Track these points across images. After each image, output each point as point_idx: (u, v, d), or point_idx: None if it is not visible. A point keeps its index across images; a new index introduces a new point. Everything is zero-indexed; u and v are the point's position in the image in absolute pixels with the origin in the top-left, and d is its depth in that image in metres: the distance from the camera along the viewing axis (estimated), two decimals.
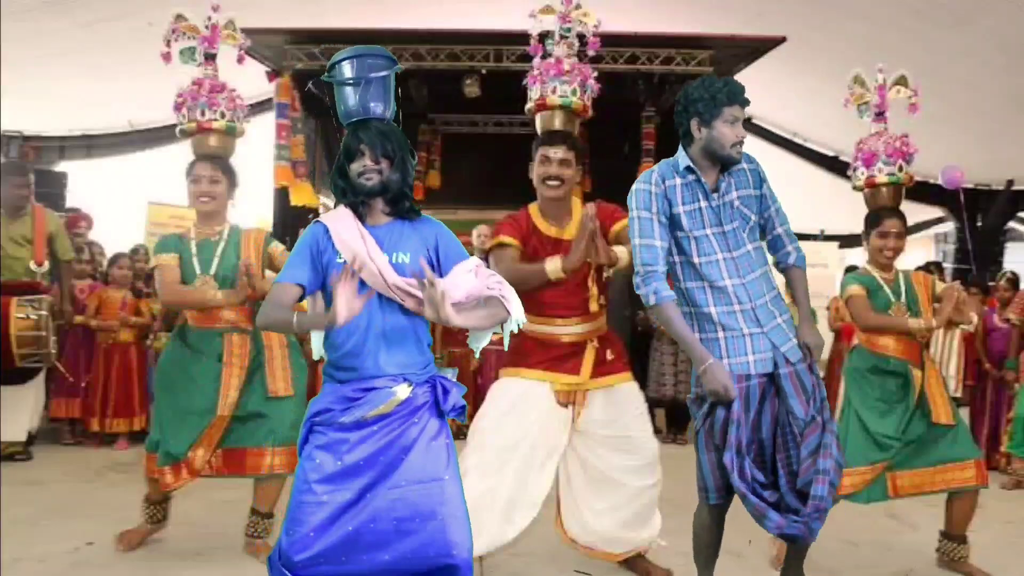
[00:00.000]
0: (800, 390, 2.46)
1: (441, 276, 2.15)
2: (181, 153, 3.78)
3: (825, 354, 6.48)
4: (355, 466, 2.02)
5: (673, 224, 2.52)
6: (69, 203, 8.86)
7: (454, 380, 2.19)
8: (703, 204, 2.51)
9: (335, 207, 2.26)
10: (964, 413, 4.94)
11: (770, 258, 2.69)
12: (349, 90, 2.13)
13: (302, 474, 2.04)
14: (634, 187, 2.55)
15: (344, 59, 2.13)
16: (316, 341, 2.21)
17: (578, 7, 3.76)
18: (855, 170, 3.74)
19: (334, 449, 2.03)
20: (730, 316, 2.49)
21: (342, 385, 2.09)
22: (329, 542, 1.97)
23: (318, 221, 2.20)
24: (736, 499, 2.52)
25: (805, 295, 2.64)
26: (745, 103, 2.49)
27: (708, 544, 2.69)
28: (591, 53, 3.87)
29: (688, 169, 2.52)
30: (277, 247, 3.46)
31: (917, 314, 3.40)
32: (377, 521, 1.99)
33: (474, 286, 2.12)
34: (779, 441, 2.48)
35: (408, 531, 2.00)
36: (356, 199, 2.14)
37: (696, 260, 2.51)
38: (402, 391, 2.07)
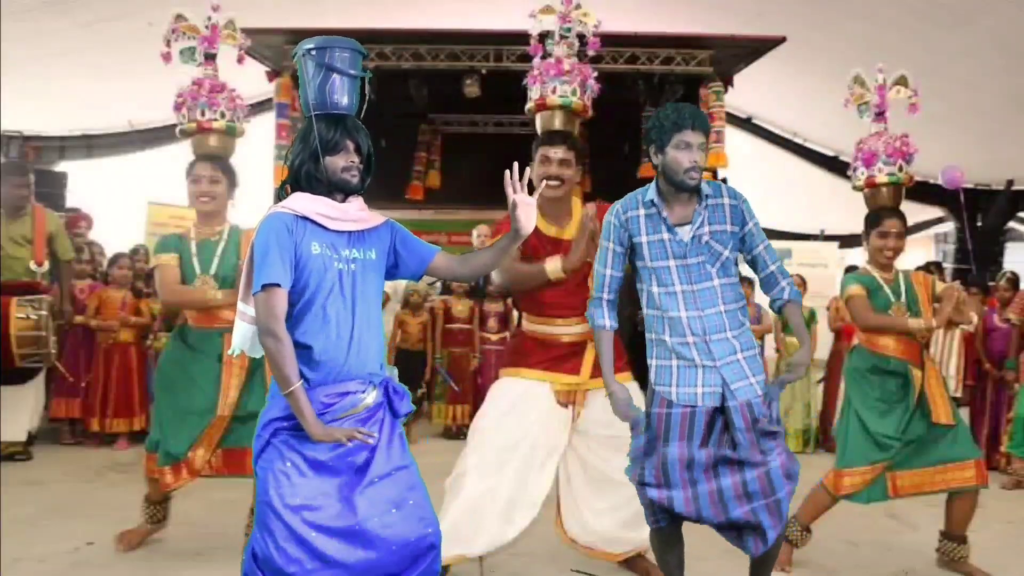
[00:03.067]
0: (749, 427, 2.47)
1: (398, 264, 2.21)
2: (181, 153, 3.78)
3: (825, 354, 6.53)
4: (329, 469, 2.02)
5: (635, 254, 2.57)
6: (69, 203, 8.87)
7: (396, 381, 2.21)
8: (666, 236, 2.51)
9: (287, 195, 2.16)
10: (964, 413, 4.94)
11: (764, 296, 2.71)
12: (342, 80, 2.08)
13: (272, 484, 1.98)
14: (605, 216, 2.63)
15: (347, 48, 2.09)
16: (242, 332, 2.15)
17: (578, 7, 3.75)
18: (855, 170, 3.74)
19: (304, 456, 2.00)
20: (683, 347, 2.52)
21: (311, 390, 2.03)
22: (316, 550, 1.95)
23: (280, 211, 2.07)
24: None
25: (801, 326, 2.66)
26: (698, 127, 2.44)
27: (666, 562, 2.72)
28: (591, 53, 3.86)
29: (651, 202, 2.53)
30: None
31: (917, 314, 3.40)
32: (360, 520, 2.00)
33: None
34: (727, 467, 2.50)
35: (388, 521, 2.03)
36: (330, 192, 2.10)
37: (654, 290, 2.55)
38: (370, 397, 2.08)
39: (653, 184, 2.57)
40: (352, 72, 2.10)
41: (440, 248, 2.28)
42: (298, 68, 2.14)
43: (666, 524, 2.61)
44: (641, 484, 2.56)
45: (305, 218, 2.06)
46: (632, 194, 2.60)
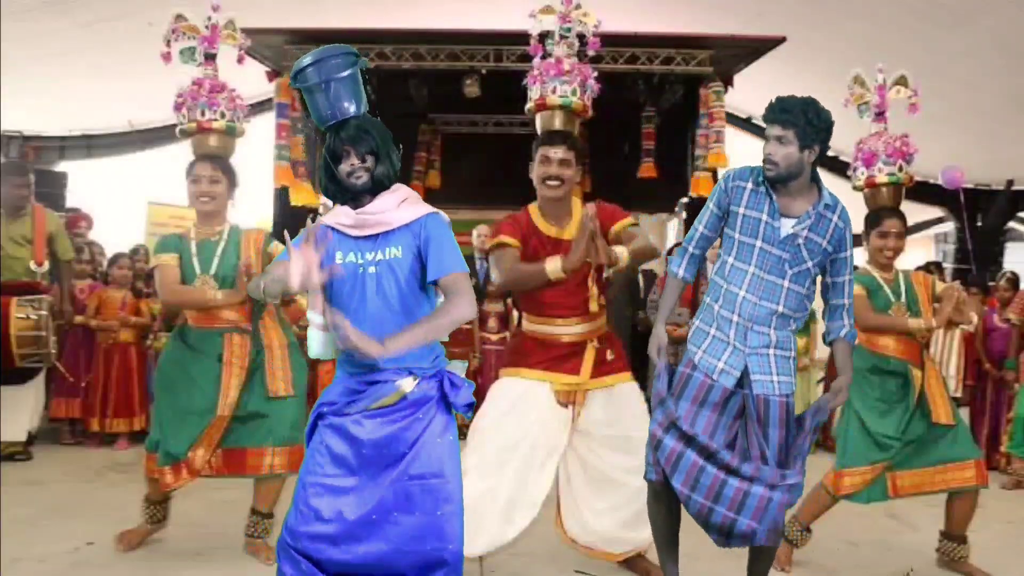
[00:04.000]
0: (761, 420, 2.51)
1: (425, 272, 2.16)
2: (181, 153, 3.78)
3: (825, 354, 6.52)
4: (359, 456, 2.06)
5: (728, 221, 2.59)
6: (69, 203, 8.85)
7: (463, 376, 2.19)
8: (765, 217, 2.51)
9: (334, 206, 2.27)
10: (964, 413, 4.94)
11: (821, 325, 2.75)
12: (319, 95, 2.12)
13: (310, 458, 2.10)
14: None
15: (307, 65, 2.12)
16: (314, 338, 2.19)
17: (578, 7, 3.76)
18: (855, 170, 3.74)
19: (340, 437, 2.07)
20: (726, 322, 2.56)
21: (350, 377, 2.13)
22: (332, 525, 2.02)
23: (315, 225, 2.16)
24: None
25: (846, 362, 2.67)
26: (775, 120, 2.47)
27: (654, 523, 2.76)
28: (591, 53, 3.87)
29: (763, 180, 2.53)
30: (277, 247, 3.45)
31: (917, 314, 3.40)
32: (379, 512, 2.03)
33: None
34: (736, 448, 2.54)
35: (408, 524, 2.04)
36: (348, 198, 2.16)
37: (729, 260, 2.58)
38: (406, 384, 2.09)
39: None
40: (334, 77, 2.11)
41: (455, 273, 2.10)
42: None
43: (655, 479, 2.63)
44: (657, 434, 2.58)
45: (332, 228, 2.15)
46: (750, 166, 2.62)
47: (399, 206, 2.15)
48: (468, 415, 2.23)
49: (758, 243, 2.52)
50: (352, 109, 2.15)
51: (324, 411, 2.12)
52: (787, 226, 2.50)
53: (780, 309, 2.53)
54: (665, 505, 2.70)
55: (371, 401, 2.07)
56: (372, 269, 2.10)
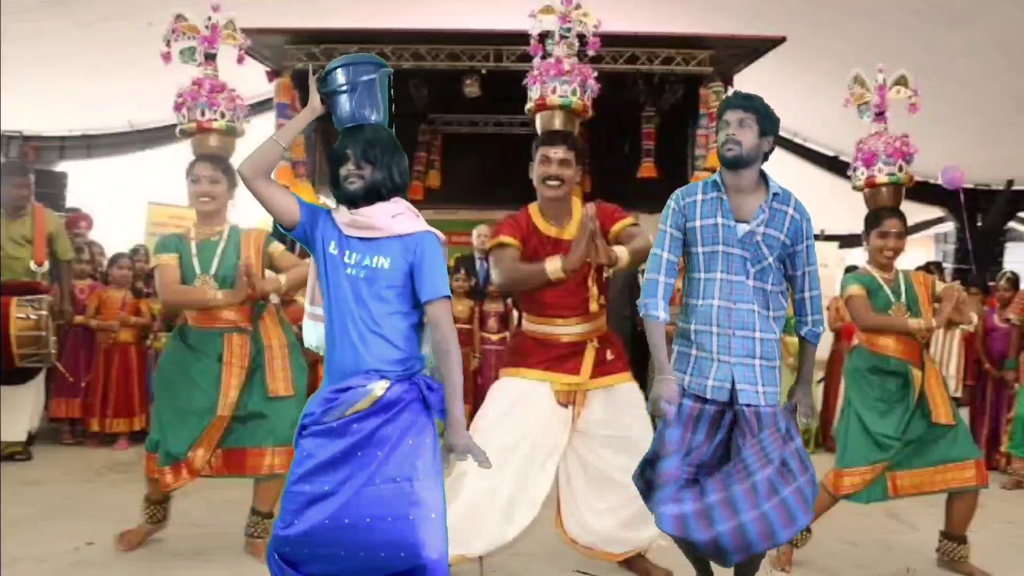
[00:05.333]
0: (754, 432, 2.47)
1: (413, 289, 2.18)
2: (181, 153, 3.78)
3: (825, 354, 6.53)
4: (332, 460, 2.09)
5: (688, 239, 2.59)
6: (69, 203, 8.86)
7: (437, 380, 2.21)
8: (720, 220, 2.52)
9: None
10: (964, 413, 4.94)
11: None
12: (341, 98, 2.19)
13: (293, 467, 2.14)
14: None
15: (335, 68, 2.20)
16: (309, 329, 2.29)
17: (578, 7, 3.76)
18: (855, 170, 3.74)
19: (317, 445, 2.11)
20: (706, 336, 2.53)
21: (327, 385, 2.17)
22: (308, 529, 2.05)
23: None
24: None
25: (808, 366, 2.69)
26: (735, 106, 2.52)
27: (685, 554, 2.74)
28: (591, 53, 3.87)
29: (714, 185, 2.56)
30: (277, 247, 3.46)
31: (917, 314, 3.40)
32: (351, 517, 2.05)
33: None
34: (720, 465, 2.52)
35: (380, 529, 2.05)
36: (345, 201, 2.20)
37: (695, 275, 2.58)
38: (378, 388, 2.11)
39: (719, 173, 2.60)
40: (359, 82, 2.17)
41: (443, 299, 2.16)
42: None
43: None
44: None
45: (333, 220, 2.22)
46: (702, 180, 2.63)
47: (393, 217, 2.18)
48: (442, 418, 2.23)
49: (720, 247, 2.53)
50: (370, 116, 2.20)
51: (306, 422, 2.16)
52: (744, 228, 2.51)
53: (756, 308, 2.52)
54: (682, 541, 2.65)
55: (346, 407, 2.10)
56: (351, 271, 2.15)
